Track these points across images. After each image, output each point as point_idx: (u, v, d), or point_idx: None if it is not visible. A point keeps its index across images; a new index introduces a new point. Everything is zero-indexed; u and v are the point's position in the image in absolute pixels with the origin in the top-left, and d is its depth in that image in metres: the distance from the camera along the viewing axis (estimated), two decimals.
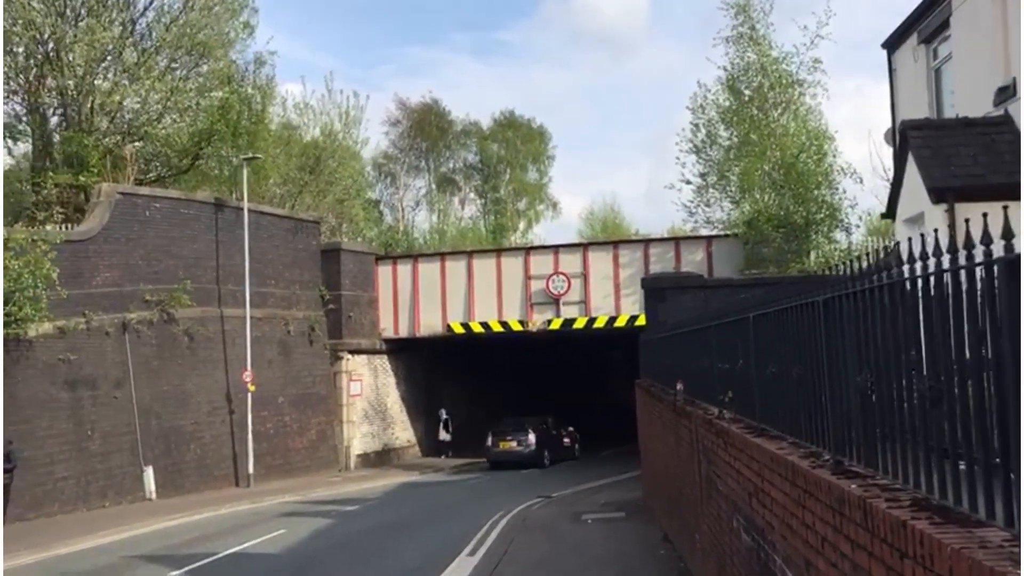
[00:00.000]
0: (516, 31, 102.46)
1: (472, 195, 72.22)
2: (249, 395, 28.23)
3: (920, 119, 15.26)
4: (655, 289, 24.37)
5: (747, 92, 28.51)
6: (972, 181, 12.91)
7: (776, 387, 6.42)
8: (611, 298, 33.26)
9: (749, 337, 7.15)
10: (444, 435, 35.55)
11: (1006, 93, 14.25)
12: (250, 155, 28.62)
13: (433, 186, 69.83)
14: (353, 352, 33.86)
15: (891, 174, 27.55)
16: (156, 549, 16.50)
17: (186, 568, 14.25)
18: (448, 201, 69.95)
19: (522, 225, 71.44)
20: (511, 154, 70.98)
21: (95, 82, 27.26)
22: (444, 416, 35.56)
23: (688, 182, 32.67)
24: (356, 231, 45.38)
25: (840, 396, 4.94)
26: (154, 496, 24.72)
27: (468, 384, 40.10)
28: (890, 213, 16.26)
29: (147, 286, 26.16)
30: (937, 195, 13.15)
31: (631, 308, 32.32)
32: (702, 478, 9.73)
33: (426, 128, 67.39)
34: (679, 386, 11.89)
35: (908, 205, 14.60)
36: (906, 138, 14.35)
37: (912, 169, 14.16)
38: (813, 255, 26.57)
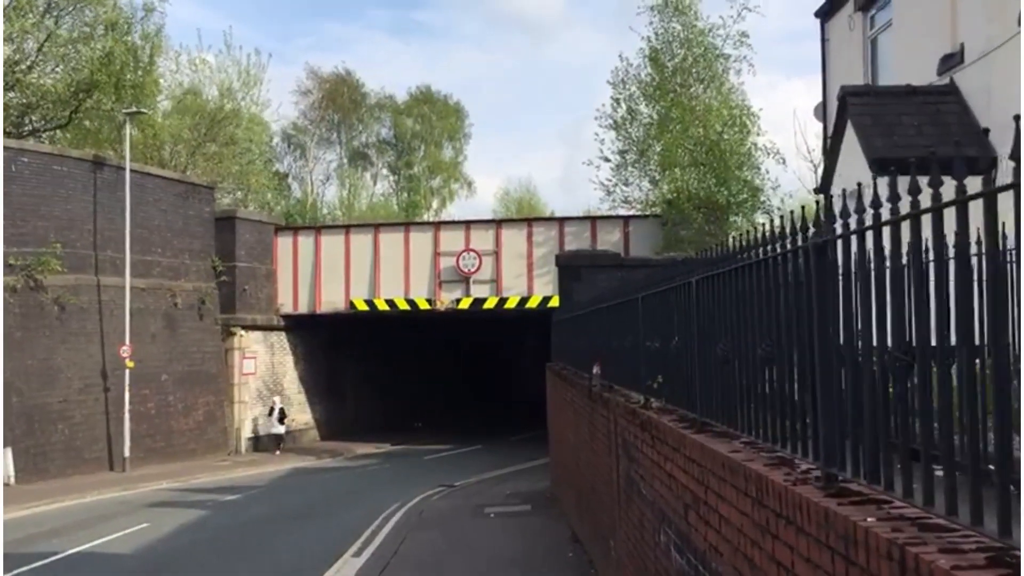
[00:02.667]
0: (435, 11, 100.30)
1: (385, 171, 69.85)
2: (127, 372, 25.82)
3: (860, 85, 14.17)
4: (570, 267, 23.01)
5: (670, 65, 27.29)
6: (918, 152, 11.80)
7: (727, 370, 4.93)
8: (524, 278, 31.82)
9: (691, 307, 5.67)
10: (278, 427, 31.12)
11: (952, 61, 13.22)
12: (134, 109, 26.05)
13: (344, 160, 67.20)
14: (247, 328, 31.61)
15: (816, 155, 26.76)
16: None
17: (12, 573, 12.18)
18: (360, 176, 67.41)
19: (436, 203, 69.43)
20: (426, 130, 68.84)
21: None
22: (279, 405, 31.22)
23: (607, 159, 31.44)
24: (260, 201, 42.87)
25: (837, 382, 3.45)
26: (12, 481, 22.22)
27: (373, 365, 38.19)
28: (824, 188, 15.16)
29: (11, 249, 23.49)
30: (879, 166, 12.02)
31: (544, 289, 30.95)
32: (620, 476, 8.27)
33: (338, 100, 64.63)
34: (595, 369, 10.42)
35: (845, 178, 13.48)
36: (845, 105, 13.20)
37: (851, 139, 13.03)
38: (733, 239, 25.52)
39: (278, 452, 30.31)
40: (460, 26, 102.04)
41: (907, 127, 12.52)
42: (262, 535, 14.75)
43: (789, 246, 3.92)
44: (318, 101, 64.17)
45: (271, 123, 39.83)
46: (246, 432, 31.42)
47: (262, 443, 31.79)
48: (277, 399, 31.44)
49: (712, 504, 4.66)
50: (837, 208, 3.51)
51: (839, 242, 3.42)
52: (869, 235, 3.22)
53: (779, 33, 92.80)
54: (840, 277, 3.42)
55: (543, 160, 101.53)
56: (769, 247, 4.22)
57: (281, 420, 31.21)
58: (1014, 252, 3.35)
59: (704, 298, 5.39)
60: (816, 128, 20.67)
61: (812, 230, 3.68)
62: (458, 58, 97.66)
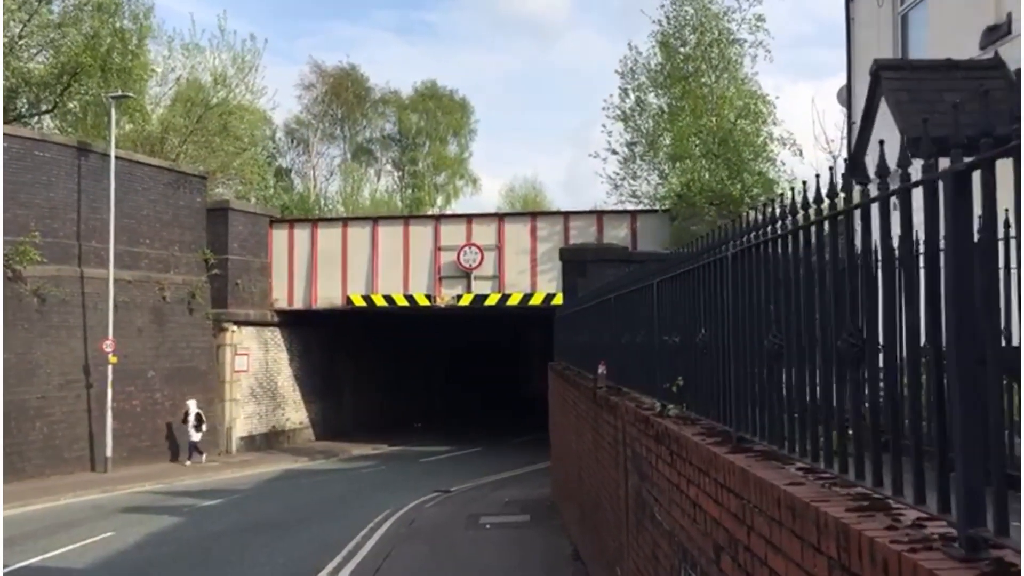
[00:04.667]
0: (441, 12, 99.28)
1: (389, 167, 68.78)
2: (110, 367, 24.63)
3: (896, 59, 12.95)
4: (575, 261, 21.72)
5: (682, 51, 25.99)
6: (963, 131, 10.56)
7: (777, 370, 3.70)
8: (527, 274, 30.59)
9: (724, 290, 4.44)
10: (194, 435, 26.71)
11: (997, 32, 11.96)
12: (119, 93, 24.86)
13: (348, 156, 66.10)
14: (240, 323, 30.41)
15: (835, 145, 25.48)
16: None
17: None
18: (363, 172, 66.33)
19: (440, 200, 68.25)
20: (431, 125, 67.70)
21: None
22: (195, 410, 26.84)
23: (614, 152, 30.19)
24: (258, 192, 41.69)
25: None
26: None
27: (371, 363, 37.01)
28: (851, 173, 13.88)
29: None
30: (918, 145, 10.80)
31: (548, 286, 29.72)
32: (629, 495, 7.04)
33: (342, 94, 63.50)
34: (600, 369, 9.21)
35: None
36: (878, 80, 11.95)
37: (884, 118, 11.79)
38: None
39: (188, 462, 26.31)
40: (466, 27, 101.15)
41: (949, 104, 11.30)
42: (232, 549, 13.53)
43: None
44: (322, 95, 63.12)
45: (268, 112, 38.51)
46: (238, 431, 30.25)
47: (257, 443, 30.64)
48: (192, 402, 26.91)
49: (758, 552, 3.43)
50: None
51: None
52: None
53: (786, 39, 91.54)
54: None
55: (549, 163, 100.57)
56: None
57: (197, 427, 26.72)
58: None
59: (745, 277, 4.16)
60: (835, 119, 19.47)
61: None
62: (464, 59, 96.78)
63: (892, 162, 3.10)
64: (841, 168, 3.75)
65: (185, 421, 26.84)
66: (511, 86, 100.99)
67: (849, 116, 16.73)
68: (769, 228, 3.83)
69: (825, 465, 3.16)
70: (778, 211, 3.69)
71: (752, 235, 4.02)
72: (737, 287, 4.27)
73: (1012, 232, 4.10)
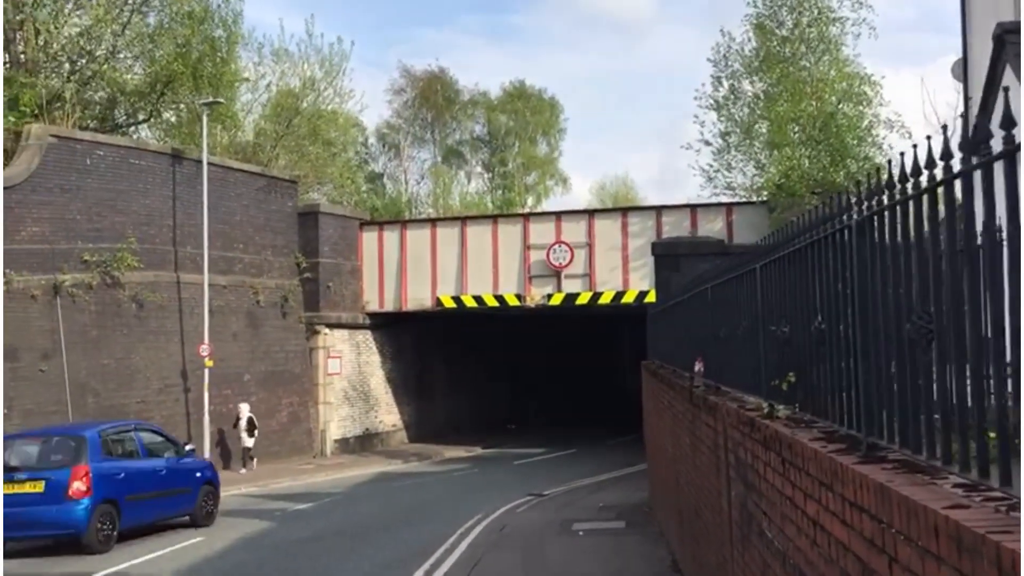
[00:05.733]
0: (526, 14, 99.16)
1: (479, 168, 68.80)
2: (207, 371, 24.93)
3: (1021, 21, 11.77)
4: (668, 256, 20.78)
5: (781, 32, 24.75)
6: None
7: (921, 362, 2.97)
8: (619, 271, 29.78)
9: (847, 267, 3.71)
10: (247, 441, 25.26)
11: None
12: (211, 100, 25.15)
13: (438, 158, 66.34)
14: (332, 326, 30.52)
15: (948, 127, 23.94)
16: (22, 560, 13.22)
17: None
18: (454, 174, 66.43)
19: (531, 200, 67.82)
20: (520, 126, 67.29)
21: (34, 12, 23.83)
22: (247, 414, 25.21)
23: (707, 143, 29.10)
24: (350, 197, 42.02)
25: None
26: None
27: (463, 364, 36.74)
28: (971, 150, 12.74)
29: (86, 244, 22.84)
30: None
31: (640, 283, 28.85)
32: (732, 505, 6.32)
33: (431, 98, 63.67)
34: (697, 366, 8.47)
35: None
36: (1003, 46, 10.87)
37: (1011, 85, 10.69)
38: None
39: (243, 471, 24.92)
40: (551, 28, 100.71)
41: None
42: (320, 555, 13.23)
43: None
44: (411, 99, 63.40)
45: (357, 115, 38.55)
46: (331, 434, 30.35)
47: (351, 445, 30.70)
48: (244, 406, 25.32)
49: None
50: None
51: None
52: None
53: (887, 25, 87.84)
54: None
55: (639, 161, 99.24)
56: None
57: (250, 432, 25.22)
58: None
59: (875, 249, 3.43)
60: (947, 98, 18.07)
61: None
62: (551, 59, 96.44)
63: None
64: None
65: (236, 426, 25.42)
66: (599, 85, 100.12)
67: (966, 91, 15.50)
68: (910, 183, 3.10)
69: (1001, 483, 2.43)
70: (923, 160, 2.96)
71: (884, 196, 3.30)
72: (864, 262, 3.54)
73: None
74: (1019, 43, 10.58)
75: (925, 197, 2.98)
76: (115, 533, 13.85)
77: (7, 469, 13.41)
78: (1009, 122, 2.57)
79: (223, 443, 26.12)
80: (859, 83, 23.85)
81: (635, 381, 26.07)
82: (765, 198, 27.69)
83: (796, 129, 24.06)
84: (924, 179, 3.06)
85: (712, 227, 28.60)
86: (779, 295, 5.05)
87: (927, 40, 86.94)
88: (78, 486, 13.42)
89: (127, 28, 25.08)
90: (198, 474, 16.86)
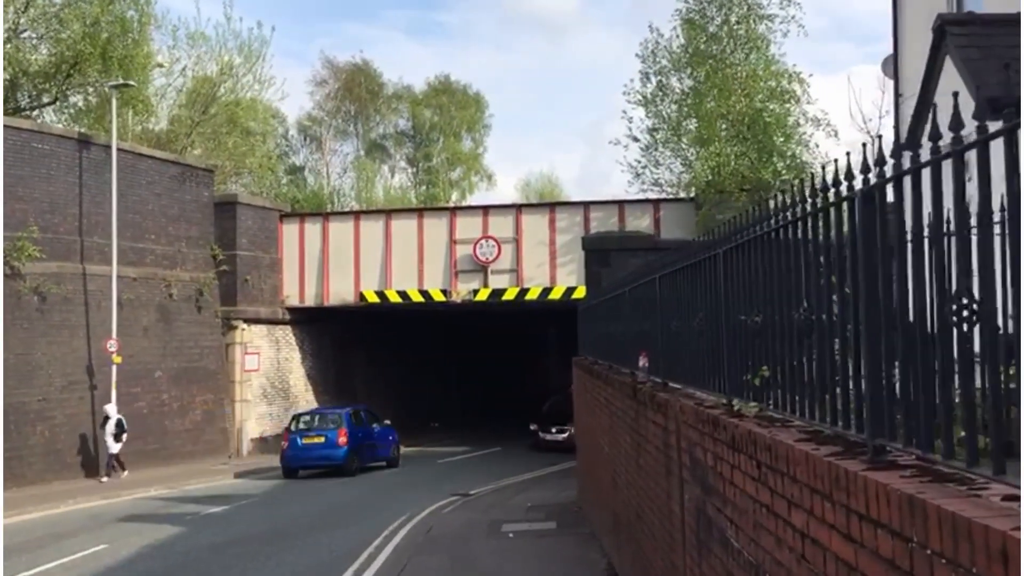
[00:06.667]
0: (452, 12, 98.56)
1: (403, 163, 67.82)
2: (114, 368, 23.64)
3: (962, 13, 11.71)
4: (597, 251, 20.61)
5: (710, 28, 24.66)
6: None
7: (962, 345, 2.54)
8: (546, 267, 29.43)
9: (846, 247, 3.27)
10: (113, 446, 22.47)
11: None
12: (120, 82, 23.85)
13: (361, 152, 65.14)
14: (250, 321, 29.41)
15: (873, 124, 24.14)
16: None
17: None
18: (377, 168, 65.32)
19: (455, 196, 67.21)
20: (445, 121, 66.60)
21: None
22: (115, 415, 22.35)
23: (635, 139, 28.94)
24: (270, 189, 40.74)
25: None
26: None
27: (386, 361, 35.93)
28: (909, 145, 12.64)
29: None
30: (993, 107, 9.57)
31: (568, 279, 28.56)
32: (687, 511, 5.88)
33: (355, 90, 62.39)
34: (642, 361, 8.04)
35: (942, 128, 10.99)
36: (943, 36, 10.73)
37: (951, 80, 10.57)
38: None
39: (105, 479, 22.19)
40: (478, 26, 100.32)
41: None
42: (235, 562, 12.42)
43: None
44: (334, 92, 62.05)
45: (277, 104, 37.21)
46: (249, 433, 29.25)
47: (269, 444, 29.61)
48: (111, 406, 22.51)
49: None
50: None
51: None
52: None
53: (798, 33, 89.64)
54: None
55: (563, 160, 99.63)
56: None
57: (117, 436, 22.43)
58: None
59: (871, 225, 2.99)
60: (871, 97, 18.13)
61: None
62: (476, 58, 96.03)
63: None
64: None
65: (104, 427, 22.61)
66: (523, 84, 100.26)
67: (896, 88, 15.50)
68: (931, 147, 2.67)
69: None
70: (946, 128, 2.53)
71: (891, 164, 2.85)
72: (872, 236, 3.10)
73: None
74: (963, 35, 10.45)
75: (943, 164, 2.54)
76: (356, 467, 23.44)
77: (306, 428, 24.02)
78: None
79: (84, 448, 23.23)
80: (787, 79, 23.92)
81: (562, 378, 25.78)
82: (693, 195, 27.65)
83: (724, 125, 24.01)
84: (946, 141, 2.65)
85: (640, 223, 28.47)
86: (748, 281, 4.61)
87: (840, 49, 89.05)
88: (342, 440, 23.27)
89: (30, 5, 23.57)
90: (390, 437, 25.98)
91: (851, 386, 3.28)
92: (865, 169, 3.12)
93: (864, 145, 3.44)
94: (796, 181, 4.16)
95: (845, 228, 3.37)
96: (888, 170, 3.00)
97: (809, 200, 3.59)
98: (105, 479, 22.43)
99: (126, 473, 22.91)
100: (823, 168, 3.55)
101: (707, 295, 5.54)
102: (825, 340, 3.56)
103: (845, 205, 3.31)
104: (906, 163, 2.93)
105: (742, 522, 4.39)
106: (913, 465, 2.85)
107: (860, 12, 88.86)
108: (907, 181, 2.97)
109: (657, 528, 7.13)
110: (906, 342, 2.83)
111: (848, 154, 3.65)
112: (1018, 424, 2.39)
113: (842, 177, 3.31)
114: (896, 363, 2.91)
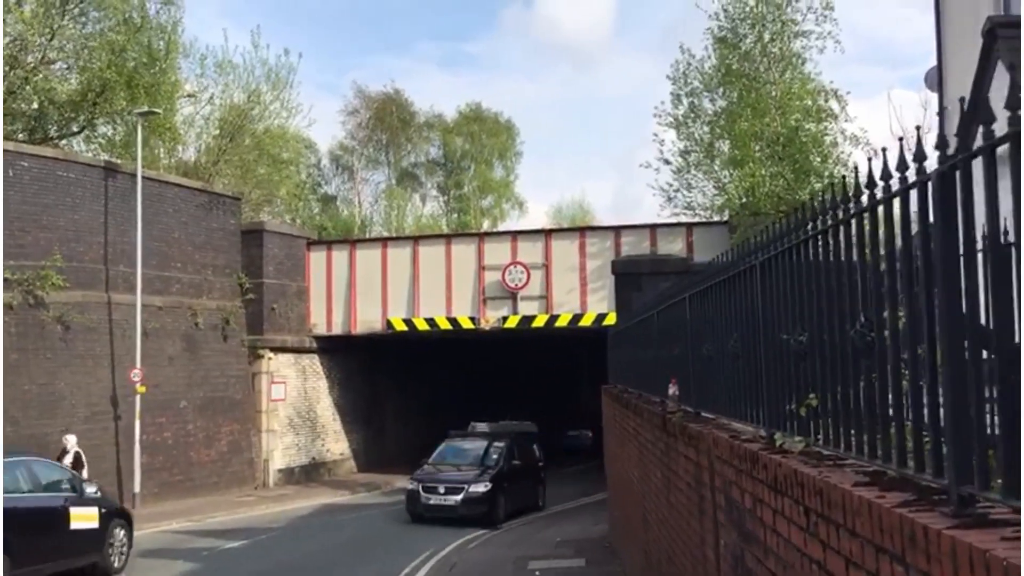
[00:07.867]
0: (482, 43, 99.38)
1: (434, 191, 67.77)
2: (138, 398, 23.30)
3: (1012, 15, 11.01)
4: (628, 275, 19.95)
5: (743, 46, 24.03)
6: None
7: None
8: (576, 293, 28.78)
9: (915, 248, 2.62)
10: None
11: None
12: (146, 109, 23.72)
13: (393, 181, 65.17)
14: (276, 350, 29.03)
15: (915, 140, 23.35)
16: None
17: None
18: (408, 197, 65.27)
19: (486, 223, 66.96)
20: (476, 149, 66.56)
21: None
22: (74, 448, 18.85)
23: (667, 161, 28.32)
24: (301, 216, 40.61)
25: None
26: None
27: (415, 390, 35.41)
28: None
29: (7, 262, 21.16)
30: None
31: (599, 305, 27.88)
32: (723, 559, 5.20)
33: (386, 119, 62.54)
34: (671, 389, 7.38)
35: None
36: (993, 40, 10.07)
37: (1004, 80, 9.89)
38: None
39: None
40: (508, 56, 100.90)
41: None
42: None
43: None
44: (366, 121, 62.23)
45: (304, 130, 36.95)
46: (275, 464, 28.78)
47: (295, 476, 29.14)
48: (70, 437, 19.40)
49: None
50: None
51: None
52: None
53: (825, 59, 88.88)
54: None
55: (595, 188, 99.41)
56: None
57: (75, 467, 17.54)
58: None
59: (950, 212, 2.35)
60: (915, 113, 17.38)
61: None
62: (507, 86, 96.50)
63: None
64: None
65: (60, 460, 18.14)
66: (554, 112, 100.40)
67: (941, 101, 14.79)
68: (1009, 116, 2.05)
69: None
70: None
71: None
72: (942, 229, 2.46)
73: None
74: (1011, 36, 9.78)
75: None
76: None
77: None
78: None
79: (108, 480, 21.08)
80: (824, 97, 23.19)
81: (594, 406, 25.07)
82: (726, 218, 26.93)
83: (758, 146, 23.32)
84: None
85: (672, 247, 27.78)
86: (791, 295, 3.97)
87: (871, 72, 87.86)
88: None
89: (56, 35, 23.55)
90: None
91: (925, 418, 2.63)
92: (942, 144, 2.50)
93: (918, 128, 2.84)
94: (850, 173, 3.53)
95: (914, 226, 2.74)
96: (978, 138, 2.37)
97: (866, 192, 2.96)
98: None
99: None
100: (883, 151, 2.93)
101: (742, 313, 4.90)
102: (888, 361, 2.92)
103: (914, 194, 2.68)
104: (1002, 129, 2.30)
105: (779, 571, 3.73)
106: (1013, 522, 2.20)
107: (892, 37, 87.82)
108: (977, 164, 2.37)
109: (690, 574, 6.44)
110: (1005, 363, 2.19)
111: (901, 139, 3.04)
112: None
113: (909, 159, 2.69)
114: (991, 390, 2.27)
